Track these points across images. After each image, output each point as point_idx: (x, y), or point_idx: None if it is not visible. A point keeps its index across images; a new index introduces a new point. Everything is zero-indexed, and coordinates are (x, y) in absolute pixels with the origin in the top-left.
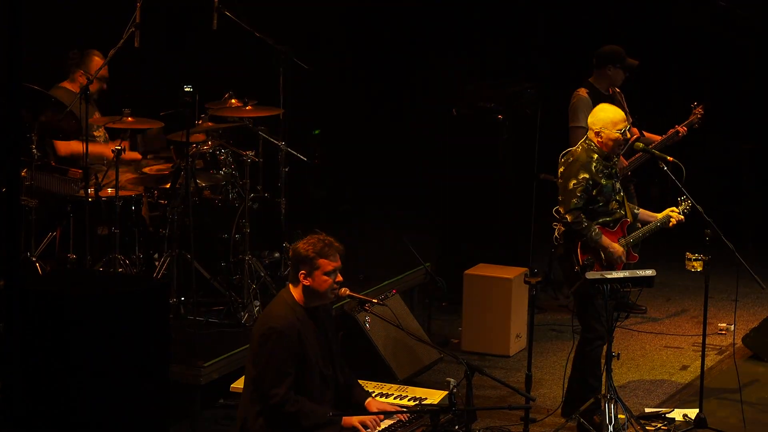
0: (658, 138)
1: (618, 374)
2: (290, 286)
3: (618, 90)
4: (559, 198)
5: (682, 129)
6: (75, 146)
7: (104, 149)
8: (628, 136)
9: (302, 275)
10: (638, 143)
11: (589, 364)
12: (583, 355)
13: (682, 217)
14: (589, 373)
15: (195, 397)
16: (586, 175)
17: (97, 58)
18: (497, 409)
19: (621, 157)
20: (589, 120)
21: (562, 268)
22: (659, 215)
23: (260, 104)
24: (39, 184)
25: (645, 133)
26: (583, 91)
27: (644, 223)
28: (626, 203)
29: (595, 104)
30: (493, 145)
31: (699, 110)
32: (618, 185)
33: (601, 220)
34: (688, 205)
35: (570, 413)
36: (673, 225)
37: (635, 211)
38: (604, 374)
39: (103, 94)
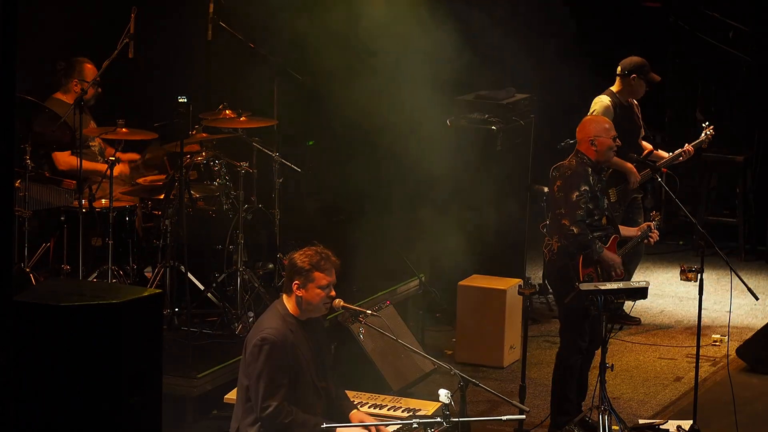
0: (666, 155)
1: (612, 385)
2: (284, 296)
3: (635, 102)
4: (561, 211)
5: (689, 148)
6: (73, 161)
7: (100, 166)
8: (619, 143)
9: (296, 286)
10: (631, 154)
11: (567, 377)
12: (561, 368)
13: (657, 232)
14: (567, 386)
15: (188, 409)
16: (587, 187)
17: (88, 65)
18: (491, 420)
19: (635, 170)
20: (580, 133)
21: (555, 284)
22: (637, 229)
23: (254, 115)
24: (33, 195)
25: (654, 151)
26: (605, 99)
27: (625, 237)
28: (614, 216)
29: (615, 113)
30: (487, 156)
31: (710, 130)
32: (607, 201)
33: (595, 235)
34: (660, 220)
35: (556, 427)
36: (653, 242)
37: None
38: (598, 385)
39: (98, 103)
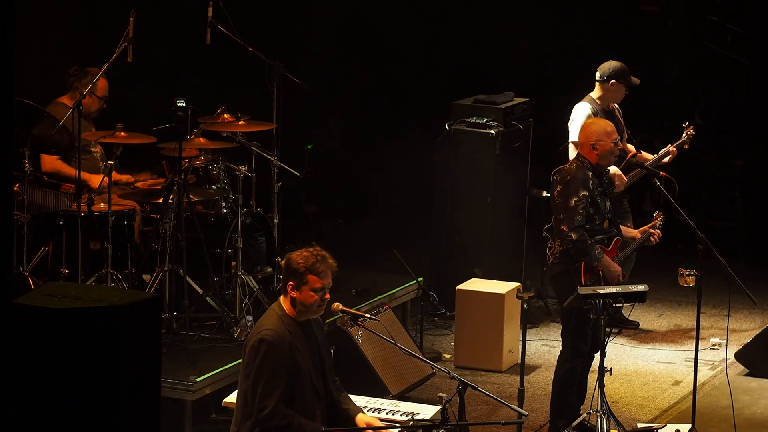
0: (651, 157)
1: (610, 389)
2: (281, 297)
3: (617, 106)
4: (560, 216)
5: (673, 149)
6: (59, 165)
7: (90, 178)
8: (621, 146)
9: (290, 287)
10: (632, 159)
11: (568, 381)
12: (563, 372)
13: (659, 231)
14: (567, 390)
15: (187, 413)
16: (586, 193)
17: (102, 80)
18: (490, 424)
19: (621, 173)
20: (581, 136)
21: (557, 287)
22: (638, 232)
23: (253, 119)
24: (31, 199)
25: (638, 153)
26: (585, 106)
27: (627, 239)
28: (615, 218)
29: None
30: (485, 160)
31: (690, 131)
32: (609, 204)
33: (597, 238)
34: (662, 220)
35: (555, 430)
36: (655, 242)
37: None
38: (596, 389)
39: (102, 111)
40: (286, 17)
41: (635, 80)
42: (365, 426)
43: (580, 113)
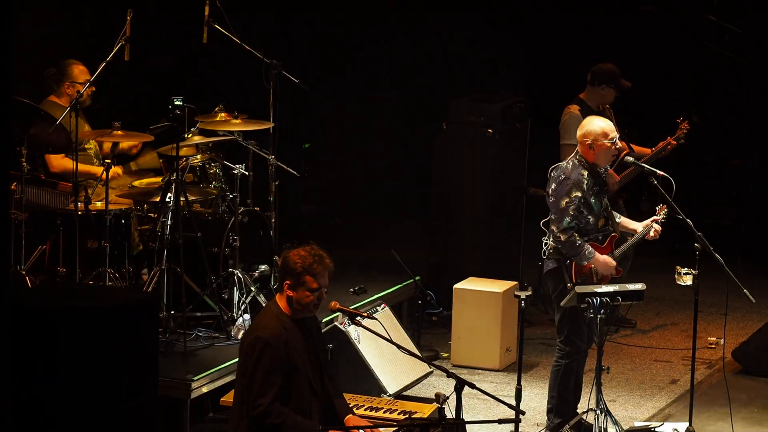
0: (648, 151)
1: (608, 388)
2: (278, 295)
3: (608, 106)
4: (552, 216)
5: (672, 142)
6: (67, 163)
7: (94, 169)
8: (619, 145)
9: (287, 285)
10: (628, 158)
11: (565, 377)
12: (559, 369)
13: (660, 227)
14: (564, 386)
15: (184, 412)
16: (579, 194)
17: (78, 66)
18: (487, 422)
19: (613, 172)
20: (579, 134)
21: (551, 283)
22: (641, 225)
23: (250, 118)
24: (29, 198)
25: (634, 147)
26: (574, 108)
27: (627, 232)
28: (612, 215)
29: None
30: (483, 159)
31: (684, 125)
32: (605, 201)
33: (591, 236)
34: (666, 213)
35: (552, 429)
36: (655, 236)
37: (617, 219)
38: (594, 388)
39: (92, 107)
40: (283, 17)
41: (626, 84)
42: (353, 425)
43: (568, 116)
